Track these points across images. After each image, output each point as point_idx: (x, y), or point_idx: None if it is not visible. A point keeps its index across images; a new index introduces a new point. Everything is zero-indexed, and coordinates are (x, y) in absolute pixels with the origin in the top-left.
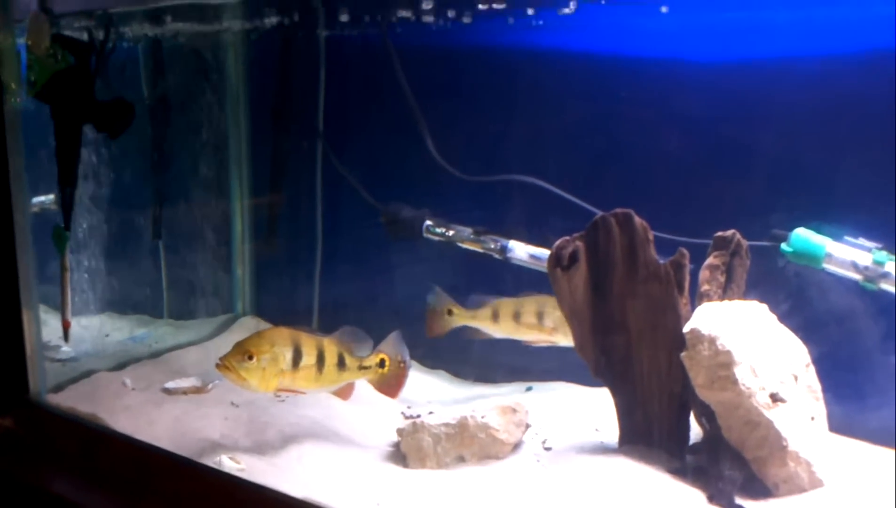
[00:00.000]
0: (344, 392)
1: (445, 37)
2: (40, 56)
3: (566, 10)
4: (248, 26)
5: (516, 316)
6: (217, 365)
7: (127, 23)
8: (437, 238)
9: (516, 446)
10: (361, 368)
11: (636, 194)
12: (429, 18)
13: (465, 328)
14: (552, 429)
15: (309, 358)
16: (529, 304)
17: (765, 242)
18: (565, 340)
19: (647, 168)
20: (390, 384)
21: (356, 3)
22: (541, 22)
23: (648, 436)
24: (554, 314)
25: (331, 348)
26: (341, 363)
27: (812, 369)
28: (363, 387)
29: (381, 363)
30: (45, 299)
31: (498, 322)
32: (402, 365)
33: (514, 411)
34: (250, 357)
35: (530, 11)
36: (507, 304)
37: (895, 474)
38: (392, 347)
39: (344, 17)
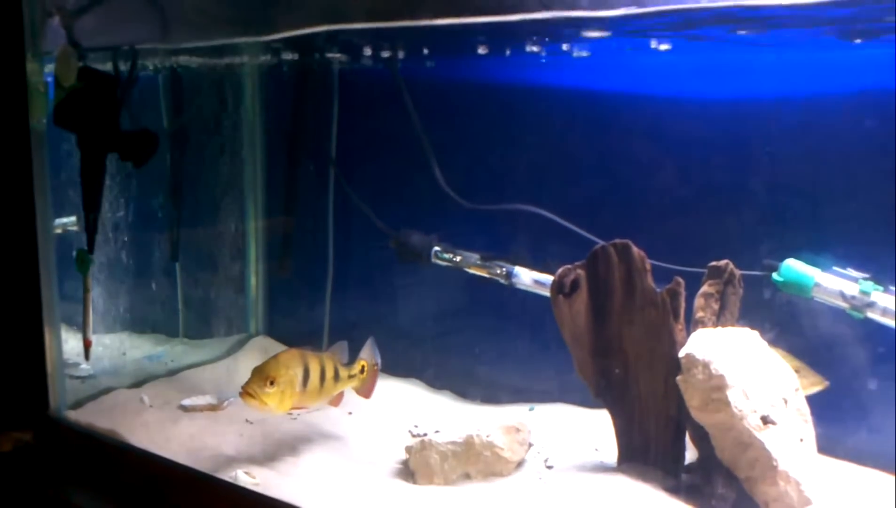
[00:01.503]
0: (336, 400)
1: (454, 71)
2: (65, 87)
3: (566, 48)
4: (264, 59)
5: None
6: (241, 394)
7: (149, 55)
8: (444, 263)
9: (520, 464)
10: (350, 377)
11: (634, 225)
12: (437, 53)
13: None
14: (554, 448)
15: (314, 376)
16: None
17: (757, 271)
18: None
19: (645, 200)
20: (366, 387)
21: (368, 38)
22: (543, 60)
23: (646, 456)
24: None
25: (329, 363)
26: (336, 376)
27: (801, 392)
28: (374, 406)
29: (362, 370)
30: (65, 317)
31: None
32: (375, 368)
33: (518, 430)
34: (272, 383)
35: (535, 49)
36: None
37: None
38: (369, 353)
39: (356, 52)
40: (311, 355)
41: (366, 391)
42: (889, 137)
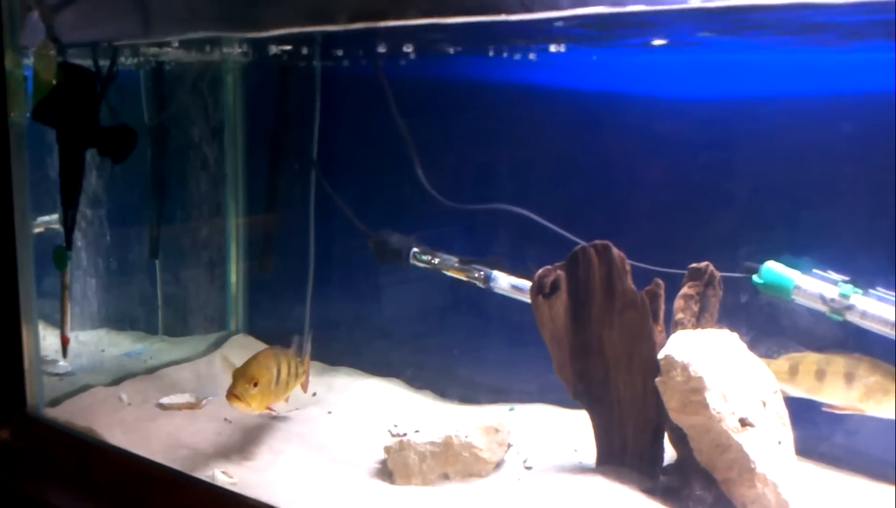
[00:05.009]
0: (287, 395)
1: (437, 70)
2: (44, 81)
3: (553, 49)
4: (246, 56)
5: (820, 374)
6: (227, 397)
7: (130, 50)
8: (423, 265)
9: (498, 464)
10: (304, 372)
11: (615, 226)
12: (421, 52)
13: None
14: (533, 449)
15: (283, 374)
16: (838, 362)
17: (737, 273)
18: (877, 409)
19: (626, 201)
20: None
21: (351, 36)
22: (532, 57)
23: (624, 457)
24: (867, 379)
25: (291, 360)
26: (296, 373)
27: (780, 395)
28: (353, 406)
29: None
30: (42, 314)
31: (796, 378)
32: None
33: (497, 431)
34: (255, 384)
35: (519, 49)
36: (810, 359)
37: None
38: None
39: (339, 49)
40: (281, 353)
41: (304, 385)
42: (869, 141)
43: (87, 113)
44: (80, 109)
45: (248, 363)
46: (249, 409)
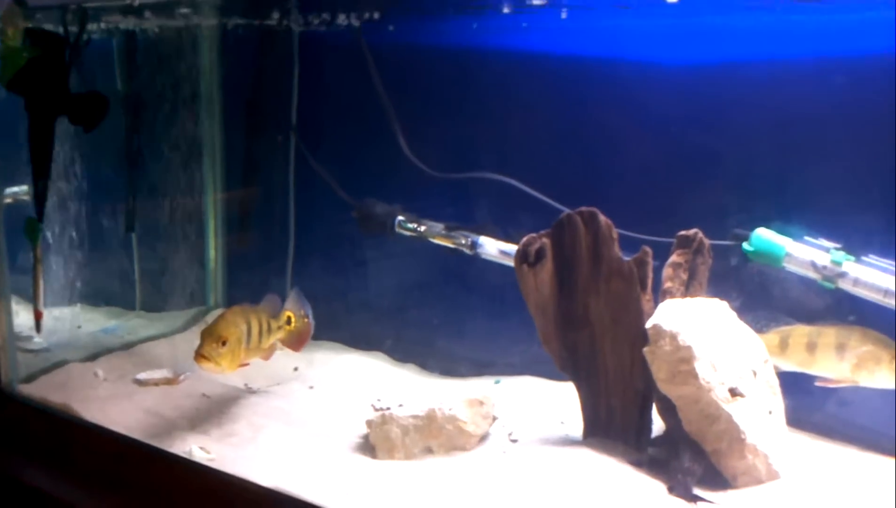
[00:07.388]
0: (267, 354)
1: (419, 36)
2: (11, 47)
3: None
4: (223, 22)
5: (811, 347)
6: (195, 358)
7: (101, 16)
8: (408, 233)
9: (483, 438)
10: (278, 328)
11: (602, 194)
12: (402, 17)
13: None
14: (518, 421)
15: (255, 331)
16: (829, 334)
17: (727, 241)
18: (870, 379)
19: (614, 168)
20: (295, 340)
21: (331, 1)
22: (524, 24)
23: (611, 429)
24: (858, 349)
25: (263, 317)
26: (269, 329)
27: (770, 364)
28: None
29: (288, 321)
30: (16, 290)
31: (786, 352)
32: (305, 321)
33: (482, 403)
34: (224, 343)
35: (505, 10)
36: (800, 331)
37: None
38: (293, 304)
39: (319, 15)
40: (251, 310)
41: (293, 343)
42: (859, 105)
43: (57, 80)
44: (50, 76)
45: (215, 322)
46: (220, 369)
